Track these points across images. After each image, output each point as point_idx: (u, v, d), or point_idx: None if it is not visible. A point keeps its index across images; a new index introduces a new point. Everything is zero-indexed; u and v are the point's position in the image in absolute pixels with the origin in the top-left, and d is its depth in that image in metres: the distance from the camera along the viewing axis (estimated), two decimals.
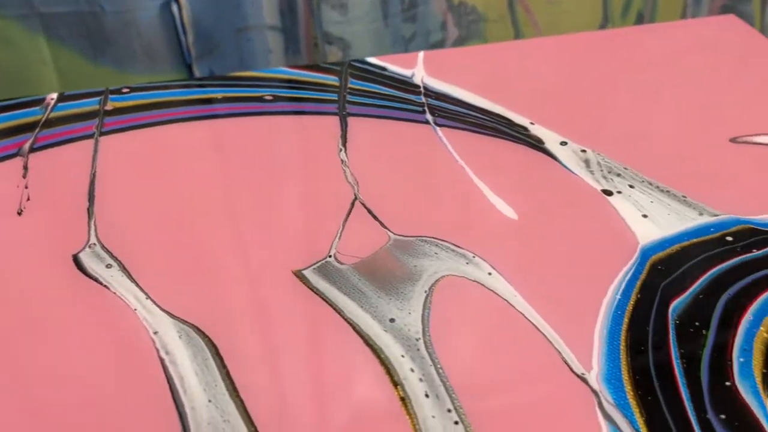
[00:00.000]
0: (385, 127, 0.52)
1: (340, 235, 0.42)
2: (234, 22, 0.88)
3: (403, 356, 0.35)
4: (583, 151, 0.48)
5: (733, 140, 0.49)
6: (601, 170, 0.47)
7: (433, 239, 0.42)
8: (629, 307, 0.37)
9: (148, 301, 0.38)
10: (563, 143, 0.49)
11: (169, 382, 0.34)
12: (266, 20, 0.89)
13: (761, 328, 0.36)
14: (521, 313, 0.37)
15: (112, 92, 0.55)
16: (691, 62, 0.59)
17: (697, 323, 0.36)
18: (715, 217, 0.43)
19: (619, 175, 0.46)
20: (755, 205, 0.43)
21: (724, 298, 0.37)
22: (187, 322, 0.37)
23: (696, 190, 0.45)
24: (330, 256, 0.41)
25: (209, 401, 0.33)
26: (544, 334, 0.36)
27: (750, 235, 0.41)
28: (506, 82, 0.57)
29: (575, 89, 0.56)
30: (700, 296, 0.37)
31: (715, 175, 0.47)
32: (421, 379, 0.34)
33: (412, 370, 0.34)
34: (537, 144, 0.49)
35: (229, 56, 0.90)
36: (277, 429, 0.32)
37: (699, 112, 0.53)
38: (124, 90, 0.56)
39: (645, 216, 0.43)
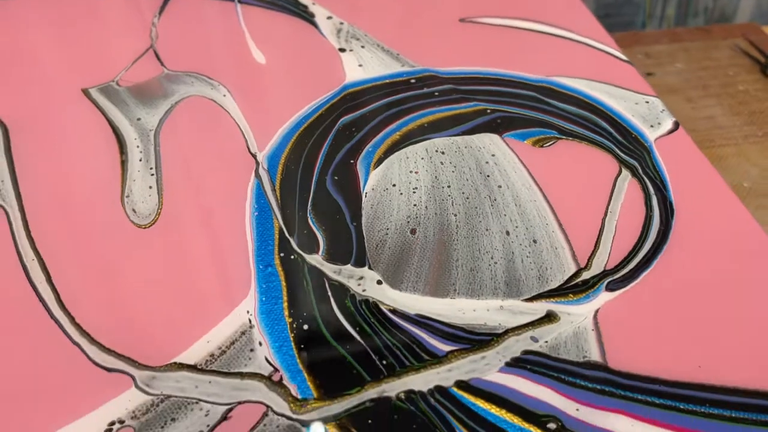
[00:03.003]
0: (199, 3, 0.65)
1: (127, 69, 0.56)
2: None
3: (135, 139, 0.49)
4: (341, 23, 0.62)
5: (462, 20, 0.62)
6: (347, 36, 0.60)
7: (194, 73, 0.55)
8: (311, 118, 0.51)
9: None
10: (329, 17, 0.62)
11: None
12: None
13: (396, 133, 0.49)
14: (228, 111, 0.51)
15: None
16: None
17: (353, 129, 0.50)
18: (411, 68, 0.56)
19: (358, 39, 0.59)
20: (447, 62, 0.57)
21: (383, 115, 0.51)
22: None
23: (410, 51, 0.58)
24: (113, 81, 0.54)
25: None
26: (242, 131, 0.50)
27: (428, 79, 0.55)
28: None
29: None
30: (367, 114, 0.51)
31: (434, 42, 0.60)
32: (141, 152, 0.48)
33: (138, 146, 0.48)
34: (309, 17, 0.62)
35: None
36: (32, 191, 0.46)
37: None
38: None
39: (360, 65, 0.56)
